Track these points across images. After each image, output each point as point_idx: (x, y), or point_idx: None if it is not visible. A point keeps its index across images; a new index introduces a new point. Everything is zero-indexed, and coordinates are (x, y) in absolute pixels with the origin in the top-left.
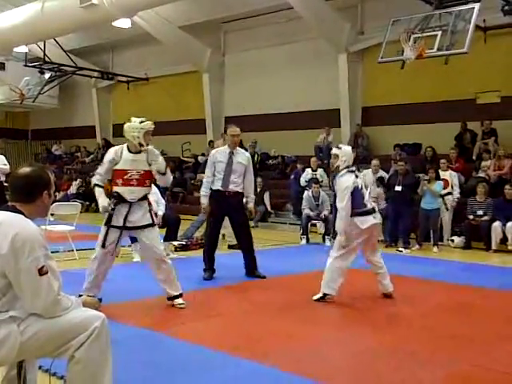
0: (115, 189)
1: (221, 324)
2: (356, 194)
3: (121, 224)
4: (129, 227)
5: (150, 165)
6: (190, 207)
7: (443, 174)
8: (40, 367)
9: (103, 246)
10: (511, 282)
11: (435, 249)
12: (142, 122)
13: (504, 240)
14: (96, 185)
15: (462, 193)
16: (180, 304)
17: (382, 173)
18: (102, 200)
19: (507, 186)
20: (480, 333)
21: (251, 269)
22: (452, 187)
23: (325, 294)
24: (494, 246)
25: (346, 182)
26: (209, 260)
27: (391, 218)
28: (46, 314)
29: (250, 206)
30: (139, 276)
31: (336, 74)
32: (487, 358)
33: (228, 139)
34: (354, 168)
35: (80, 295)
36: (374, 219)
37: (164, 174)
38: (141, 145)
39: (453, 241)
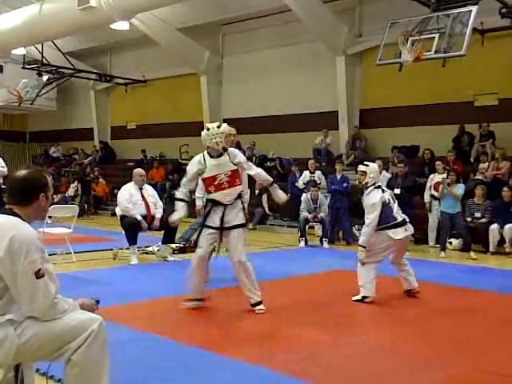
0: (210, 196)
1: (220, 326)
2: (385, 209)
3: (218, 225)
4: (225, 227)
5: (234, 164)
6: (188, 209)
7: (439, 177)
8: (37, 370)
9: (198, 246)
10: (509, 284)
11: (472, 254)
12: (219, 127)
13: (501, 242)
14: (178, 199)
15: None
16: (259, 310)
17: (386, 174)
18: (177, 213)
19: (505, 189)
20: (479, 335)
21: None
22: None
23: (363, 297)
24: (491, 249)
25: (373, 198)
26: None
27: None
28: (43, 317)
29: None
30: (137, 278)
31: (334, 76)
32: (486, 361)
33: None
34: (380, 184)
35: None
36: (406, 231)
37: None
38: (224, 149)
39: (451, 243)
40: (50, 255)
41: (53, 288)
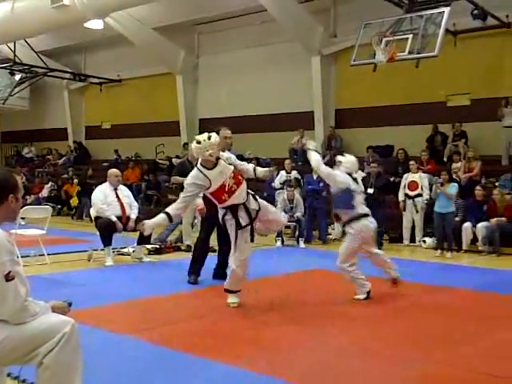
0: (227, 204)
1: (195, 327)
2: (346, 194)
3: (248, 221)
4: (253, 217)
5: (230, 164)
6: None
7: (413, 176)
8: (9, 374)
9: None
10: (482, 282)
11: (449, 254)
12: (209, 138)
13: (474, 240)
14: (165, 212)
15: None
16: None
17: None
18: (151, 222)
19: (478, 187)
20: (452, 332)
21: (222, 273)
22: (422, 189)
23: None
24: (464, 247)
25: (340, 173)
26: (198, 264)
27: None
28: (13, 321)
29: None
30: (112, 280)
31: (310, 76)
32: (460, 358)
33: (221, 142)
34: (355, 175)
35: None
36: (371, 224)
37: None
38: (218, 158)
39: (425, 242)
40: (22, 257)
41: (23, 290)
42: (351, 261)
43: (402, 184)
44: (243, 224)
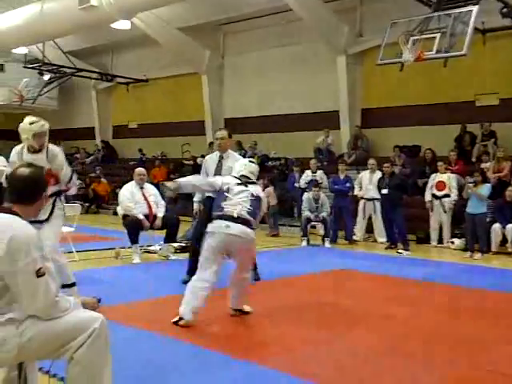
0: None
1: (221, 325)
2: (218, 195)
3: None
4: None
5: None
6: (190, 209)
7: (441, 176)
8: (40, 369)
9: None
10: (511, 284)
11: (478, 255)
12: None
13: (504, 242)
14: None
15: (461, 195)
16: None
17: (379, 173)
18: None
19: (510, 188)
20: (480, 335)
21: None
22: (450, 189)
23: (180, 318)
24: (493, 248)
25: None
26: (194, 267)
27: (385, 221)
28: (44, 316)
29: None
30: (139, 277)
31: (335, 75)
32: (487, 360)
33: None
34: (246, 180)
35: None
36: (227, 228)
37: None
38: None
39: (453, 243)
40: None
41: (54, 286)
42: None
43: (430, 184)
44: None
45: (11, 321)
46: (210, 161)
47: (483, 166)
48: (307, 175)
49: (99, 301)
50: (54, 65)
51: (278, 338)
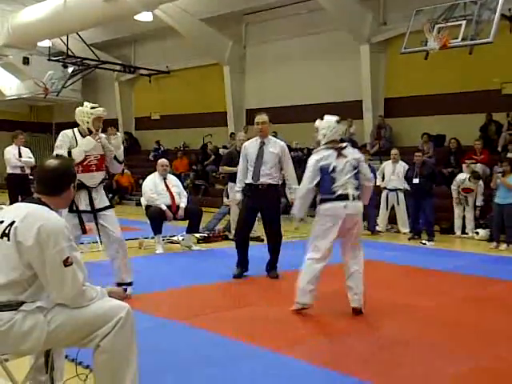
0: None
1: (246, 315)
2: (324, 178)
3: None
4: None
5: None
6: (212, 199)
7: (467, 184)
8: (66, 356)
9: None
10: None
11: (504, 246)
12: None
13: None
14: None
15: (485, 184)
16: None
17: (402, 163)
18: None
19: None
20: (506, 327)
21: (269, 268)
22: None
23: (301, 306)
24: None
25: (311, 159)
26: (242, 258)
27: (412, 211)
28: (71, 305)
29: (292, 197)
30: (162, 267)
31: (358, 65)
32: (511, 353)
33: (254, 128)
34: (339, 145)
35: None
36: (345, 208)
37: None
38: (90, 130)
39: (477, 233)
40: (77, 244)
41: (81, 276)
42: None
43: (455, 187)
44: None
45: (39, 309)
46: (251, 147)
47: (509, 155)
48: None
49: (126, 290)
50: (78, 57)
51: (303, 327)
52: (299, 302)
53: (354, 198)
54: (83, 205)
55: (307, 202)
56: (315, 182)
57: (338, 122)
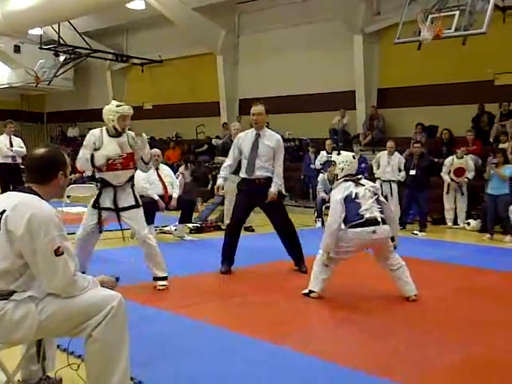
0: None
1: (238, 306)
2: (349, 206)
3: None
4: None
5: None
6: (205, 190)
7: (459, 162)
8: (58, 346)
9: None
10: None
11: (507, 238)
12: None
13: None
14: None
15: (479, 175)
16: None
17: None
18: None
19: None
20: (498, 316)
21: (297, 261)
22: (468, 172)
23: (310, 291)
24: None
25: (335, 194)
26: (227, 252)
27: (405, 202)
28: (63, 294)
29: (271, 189)
30: None
31: (351, 55)
32: (503, 342)
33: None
34: (355, 178)
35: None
36: (374, 233)
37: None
38: (115, 128)
39: (469, 224)
40: (68, 234)
41: (72, 265)
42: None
43: (446, 169)
44: None
45: (31, 298)
46: (245, 139)
47: (501, 146)
48: (322, 156)
49: (117, 279)
50: (70, 46)
51: (294, 318)
52: (311, 288)
53: (382, 222)
54: (107, 202)
55: (335, 237)
56: (343, 216)
57: (353, 157)
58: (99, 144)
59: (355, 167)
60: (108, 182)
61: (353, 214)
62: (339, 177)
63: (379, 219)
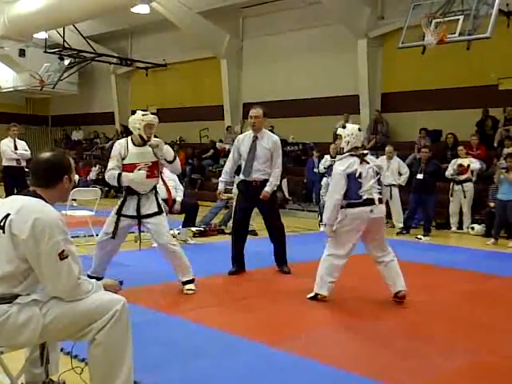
0: None
1: (240, 309)
2: (350, 184)
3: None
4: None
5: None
6: (208, 193)
7: (462, 161)
8: (61, 350)
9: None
10: None
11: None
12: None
13: None
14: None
15: (483, 180)
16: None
17: (397, 159)
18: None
19: None
20: (502, 322)
21: (279, 263)
22: (472, 173)
23: (316, 294)
24: None
25: (338, 166)
26: (235, 256)
27: (411, 206)
28: (67, 298)
29: (265, 188)
30: (158, 261)
31: (355, 59)
32: (506, 348)
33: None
34: (360, 152)
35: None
36: (371, 213)
37: (171, 162)
38: (141, 137)
39: (473, 228)
40: (72, 237)
41: (76, 269)
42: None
43: (450, 169)
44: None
45: (35, 302)
46: (243, 141)
47: (505, 151)
48: (326, 160)
49: (121, 283)
50: (74, 50)
51: (297, 322)
52: (317, 291)
53: (379, 202)
54: (131, 210)
55: (337, 211)
56: (343, 192)
57: (359, 129)
58: (125, 153)
59: (361, 140)
60: (133, 190)
61: (352, 192)
62: (345, 150)
63: (376, 200)
